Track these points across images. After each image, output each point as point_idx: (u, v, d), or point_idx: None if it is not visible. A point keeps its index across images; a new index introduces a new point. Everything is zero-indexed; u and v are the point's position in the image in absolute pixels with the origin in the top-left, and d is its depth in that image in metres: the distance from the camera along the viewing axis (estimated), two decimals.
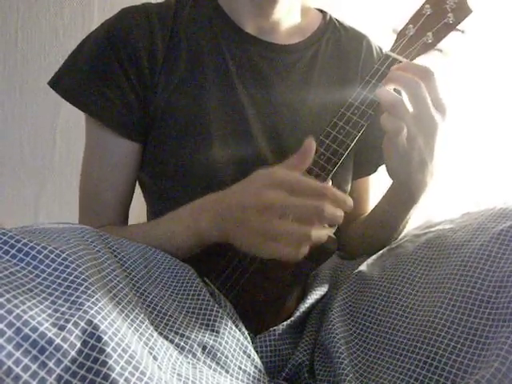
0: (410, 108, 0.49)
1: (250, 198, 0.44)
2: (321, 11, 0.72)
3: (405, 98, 0.50)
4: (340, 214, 0.44)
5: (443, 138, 0.52)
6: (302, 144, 0.46)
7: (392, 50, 0.56)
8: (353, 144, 0.54)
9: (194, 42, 0.62)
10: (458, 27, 0.54)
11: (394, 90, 0.53)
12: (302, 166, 0.45)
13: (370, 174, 0.74)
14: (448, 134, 0.52)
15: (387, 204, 0.62)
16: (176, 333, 0.38)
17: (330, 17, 0.71)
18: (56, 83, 0.61)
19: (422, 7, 0.57)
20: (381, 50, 0.72)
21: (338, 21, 0.71)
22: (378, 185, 0.77)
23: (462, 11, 0.54)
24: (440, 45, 0.55)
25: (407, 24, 0.57)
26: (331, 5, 0.76)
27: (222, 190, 0.50)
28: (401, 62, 0.54)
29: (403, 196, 0.58)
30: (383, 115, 0.50)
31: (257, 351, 0.47)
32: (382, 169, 0.73)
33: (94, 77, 0.59)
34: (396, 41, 0.57)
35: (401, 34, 0.57)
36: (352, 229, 0.73)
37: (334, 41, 0.69)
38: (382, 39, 0.73)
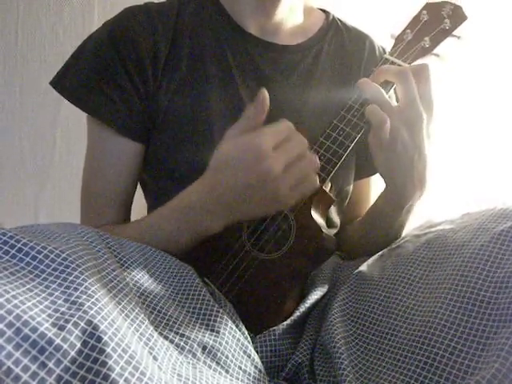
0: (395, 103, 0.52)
1: (250, 176, 0.45)
2: (323, 11, 0.72)
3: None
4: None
5: (432, 138, 0.53)
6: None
7: (390, 54, 0.58)
8: (352, 145, 0.55)
9: (197, 42, 0.62)
10: (454, 33, 0.56)
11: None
12: (260, 117, 0.47)
13: (370, 175, 0.74)
14: (448, 135, 0.53)
15: (380, 204, 0.63)
16: (176, 333, 0.38)
17: (333, 17, 0.71)
18: (58, 83, 0.61)
19: (420, 13, 0.59)
20: (384, 50, 0.72)
21: (341, 21, 0.71)
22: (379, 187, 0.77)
23: (458, 18, 0.56)
24: (437, 49, 0.57)
25: (405, 29, 0.59)
26: (331, 6, 0.76)
27: (197, 183, 0.50)
28: (400, 65, 0.55)
29: (393, 195, 0.58)
30: (367, 107, 0.51)
31: (257, 351, 0.47)
32: None
33: (96, 77, 0.59)
34: (394, 45, 0.58)
35: (399, 39, 0.58)
36: (351, 229, 0.73)
37: (337, 41, 0.69)
38: (381, 41, 0.73)
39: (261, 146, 0.45)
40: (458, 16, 0.56)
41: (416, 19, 0.58)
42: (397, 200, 0.58)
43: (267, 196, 0.46)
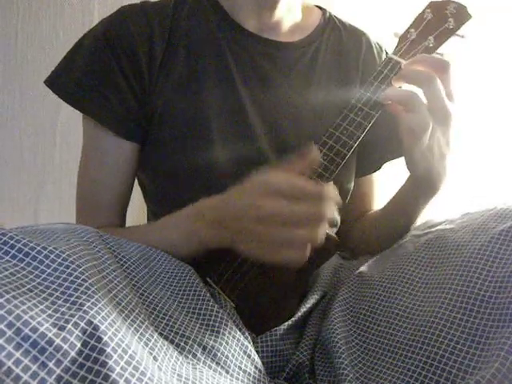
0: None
1: (248, 210, 0.43)
2: (320, 8, 0.72)
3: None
4: (337, 215, 0.44)
5: (457, 127, 0.53)
6: (304, 143, 0.46)
7: (394, 53, 0.57)
8: (356, 145, 0.54)
9: (194, 40, 0.61)
10: (458, 32, 0.56)
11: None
12: (301, 170, 0.45)
13: (373, 172, 0.74)
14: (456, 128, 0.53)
15: (406, 195, 0.62)
16: (176, 333, 0.38)
17: (330, 14, 0.71)
18: (53, 82, 0.60)
19: (423, 12, 0.58)
20: (380, 46, 0.72)
21: (338, 18, 0.71)
22: (384, 182, 0.77)
23: (462, 17, 0.56)
24: (441, 49, 0.56)
25: (409, 28, 0.58)
26: (331, 6, 0.76)
27: (218, 195, 0.49)
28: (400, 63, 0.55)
29: (424, 187, 0.58)
30: (404, 115, 0.50)
31: (257, 351, 0.47)
32: (385, 167, 0.73)
33: (92, 76, 0.58)
34: (398, 44, 0.58)
35: (402, 38, 0.58)
36: (360, 227, 0.73)
37: (335, 38, 0.69)
38: (383, 40, 0.73)
39: (277, 183, 0.43)
40: (462, 15, 0.56)
41: (420, 18, 0.58)
42: (428, 191, 0.58)
43: (253, 234, 0.43)
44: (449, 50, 0.56)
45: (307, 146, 0.45)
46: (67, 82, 0.59)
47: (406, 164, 0.55)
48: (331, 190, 0.43)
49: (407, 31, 0.58)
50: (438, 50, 0.56)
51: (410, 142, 0.51)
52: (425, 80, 0.50)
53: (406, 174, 0.59)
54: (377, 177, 0.76)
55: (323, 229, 0.43)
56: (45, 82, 0.60)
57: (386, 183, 0.78)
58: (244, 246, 0.45)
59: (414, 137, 0.50)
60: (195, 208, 0.51)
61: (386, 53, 0.72)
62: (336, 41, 0.69)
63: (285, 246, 0.42)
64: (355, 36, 0.70)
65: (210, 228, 0.48)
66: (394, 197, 0.66)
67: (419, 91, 0.50)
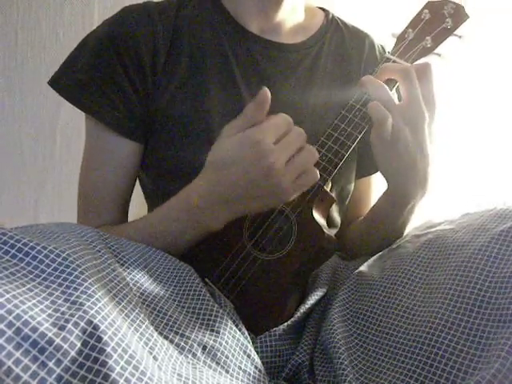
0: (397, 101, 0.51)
1: (253, 171, 0.45)
2: (323, 10, 0.72)
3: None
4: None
5: (434, 137, 0.53)
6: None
7: (392, 53, 0.57)
8: (354, 145, 0.54)
9: (197, 41, 0.61)
10: (455, 32, 0.56)
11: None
12: (260, 116, 0.46)
13: (371, 174, 0.74)
14: (448, 135, 0.53)
15: (382, 203, 0.63)
16: (176, 333, 0.38)
17: (333, 15, 0.71)
18: (56, 82, 0.60)
19: (421, 12, 0.58)
20: (383, 48, 0.72)
21: (340, 19, 0.71)
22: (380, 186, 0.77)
23: (460, 17, 0.56)
24: (438, 49, 0.56)
25: (406, 28, 0.58)
26: (333, 5, 0.76)
27: (197, 182, 0.50)
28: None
29: (395, 194, 0.58)
30: (370, 104, 0.51)
31: (257, 351, 0.47)
32: None
33: (95, 76, 0.58)
34: (396, 44, 0.58)
35: (400, 38, 0.58)
36: (353, 228, 0.73)
37: (337, 39, 0.69)
38: (381, 40, 0.73)
39: (262, 142, 0.44)
40: (459, 15, 0.56)
41: (417, 18, 0.58)
42: (398, 199, 0.58)
43: (269, 190, 0.46)
44: (446, 50, 0.56)
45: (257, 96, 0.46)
46: (70, 82, 0.59)
47: (376, 162, 0.55)
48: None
49: (405, 31, 0.58)
50: (436, 51, 0.56)
51: (373, 135, 0.52)
52: (400, 71, 0.52)
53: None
54: (374, 180, 0.76)
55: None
56: (48, 83, 0.60)
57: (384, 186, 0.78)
58: (262, 205, 0.48)
59: (374, 129, 0.51)
60: (186, 201, 0.51)
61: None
62: (338, 42, 0.69)
63: (300, 174, 0.46)
64: (358, 38, 0.70)
65: (214, 213, 0.49)
66: (373, 205, 0.66)
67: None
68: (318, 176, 0.48)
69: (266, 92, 0.45)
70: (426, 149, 0.52)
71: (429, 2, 0.58)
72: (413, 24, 0.58)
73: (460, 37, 0.56)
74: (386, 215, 0.61)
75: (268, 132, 0.45)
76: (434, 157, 0.54)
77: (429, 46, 0.56)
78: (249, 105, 0.46)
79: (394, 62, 0.56)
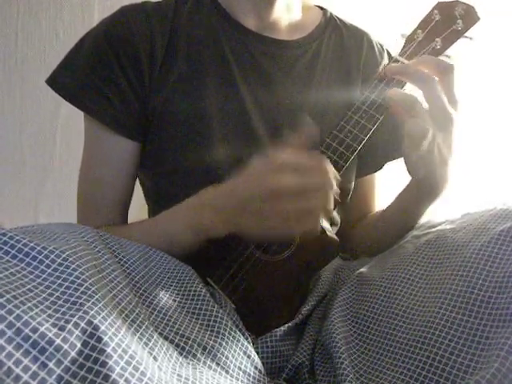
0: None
1: (256, 187, 0.45)
2: (321, 8, 0.72)
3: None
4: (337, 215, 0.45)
5: (458, 131, 0.53)
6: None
7: (400, 54, 0.56)
8: (360, 147, 0.54)
9: (194, 40, 0.61)
10: (466, 34, 0.55)
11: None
12: (300, 147, 0.46)
13: (375, 172, 0.74)
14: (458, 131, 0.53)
15: (408, 198, 0.62)
16: (176, 333, 0.38)
17: (331, 14, 0.71)
18: (54, 81, 0.60)
19: (431, 13, 0.57)
20: (382, 46, 0.72)
21: (339, 18, 0.72)
22: (384, 183, 0.77)
23: (471, 18, 0.54)
24: (448, 51, 0.55)
25: (416, 29, 0.57)
26: (335, 6, 0.76)
27: (218, 184, 0.50)
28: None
29: (425, 191, 0.58)
30: (405, 119, 0.50)
31: (257, 352, 0.47)
32: (387, 168, 0.73)
33: (93, 75, 0.58)
34: (404, 46, 0.57)
35: (409, 39, 0.57)
36: (361, 228, 0.73)
37: (336, 37, 0.69)
38: (389, 42, 0.73)
39: (279, 160, 0.44)
40: (470, 16, 0.54)
41: (427, 19, 0.56)
42: (430, 194, 0.58)
43: (265, 214, 0.45)
44: (456, 52, 0.56)
45: (302, 119, 0.45)
46: (68, 81, 0.59)
47: (406, 167, 0.55)
48: (329, 163, 0.45)
49: (414, 32, 0.57)
50: (446, 52, 0.55)
51: (409, 147, 0.51)
52: (423, 80, 0.50)
53: (406, 175, 0.59)
54: (378, 178, 0.76)
55: (331, 196, 0.45)
56: (46, 82, 0.61)
57: (386, 184, 0.78)
58: (256, 227, 0.46)
59: (413, 142, 0.50)
60: (198, 198, 0.52)
61: (388, 53, 0.72)
62: (337, 40, 0.69)
63: (300, 218, 0.44)
64: (356, 35, 0.70)
65: (215, 217, 0.49)
66: (395, 199, 0.66)
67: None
68: (318, 230, 0.46)
69: (313, 129, 0.46)
70: (453, 148, 0.53)
71: (439, 2, 0.56)
72: (422, 25, 0.56)
73: (471, 39, 0.55)
74: (413, 210, 0.62)
75: (290, 155, 0.45)
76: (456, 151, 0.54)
77: (438, 47, 0.55)
78: (292, 135, 0.46)
79: (401, 63, 0.55)
